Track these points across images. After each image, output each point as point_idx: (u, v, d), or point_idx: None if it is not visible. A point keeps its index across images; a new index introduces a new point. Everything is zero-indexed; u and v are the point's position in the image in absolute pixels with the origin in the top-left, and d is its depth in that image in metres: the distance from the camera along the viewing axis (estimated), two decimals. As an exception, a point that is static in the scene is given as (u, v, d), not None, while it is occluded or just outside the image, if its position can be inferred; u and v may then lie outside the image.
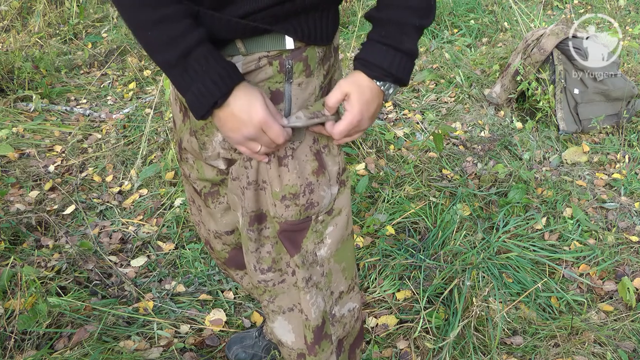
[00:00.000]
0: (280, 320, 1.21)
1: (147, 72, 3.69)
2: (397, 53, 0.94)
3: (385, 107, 3.27)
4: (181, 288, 2.02)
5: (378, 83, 0.96)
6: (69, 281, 1.97)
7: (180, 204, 2.40)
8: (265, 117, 0.92)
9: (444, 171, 2.66)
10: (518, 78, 3.06)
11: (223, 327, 1.85)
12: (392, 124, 3.09)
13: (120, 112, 3.18)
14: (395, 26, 0.94)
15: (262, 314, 1.90)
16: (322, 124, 1.02)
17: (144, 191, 2.54)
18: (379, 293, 1.97)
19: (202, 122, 1.04)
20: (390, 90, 0.98)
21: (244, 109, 0.91)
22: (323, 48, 1.01)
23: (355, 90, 0.96)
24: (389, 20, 0.94)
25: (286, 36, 0.95)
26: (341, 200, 1.12)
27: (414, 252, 2.14)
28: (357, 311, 1.27)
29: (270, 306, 1.20)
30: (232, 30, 0.92)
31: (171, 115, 2.73)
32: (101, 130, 3.03)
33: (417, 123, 3.09)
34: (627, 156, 2.81)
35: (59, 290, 1.91)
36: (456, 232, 2.19)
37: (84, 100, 3.42)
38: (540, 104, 2.99)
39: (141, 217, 2.40)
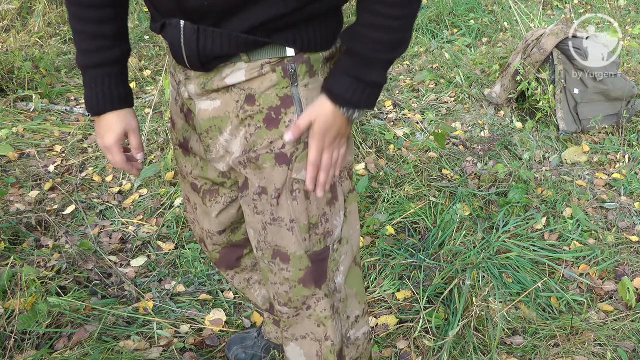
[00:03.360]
0: (293, 346, 1.27)
1: (147, 72, 3.70)
2: (359, 84, 0.97)
3: (385, 107, 3.27)
4: (181, 288, 2.02)
5: (341, 110, 0.99)
6: (69, 281, 1.97)
7: (180, 204, 2.40)
8: (110, 147, 1.11)
9: (444, 171, 2.66)
10: (518, 78, 3.06)
11: (223, 327, 1.85)
12: (392, 124, 3.09)
13: (120, 112, 3.17)
14: (361, 59, 0.96)
15: (262, 313, 1.91)
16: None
17: (144, 191, 2.54)
18: (379, 293, 1.97)
19: (206, 125, 1.07)
20: (355, 115, 1.01)
21: (104, 129, 1.11)
22: (327, 50, 1.02)
23: (319, 117, 1.00)
24: (356, 53, 0.97)
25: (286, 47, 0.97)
26: (346, 230, 1.17)
27: (414, 252, 2.14)
28: (369, 334, 1.35)
29: (285, 333, 1.27)
30: (234, 44, 0.95)
31: (170, 115, 2.73)
32: (101, 130, 3.02)
33: (417, 123, 3.09)
34: (627, 156, 2.81)
35: (59, 290, 1.91)
36: (456, 232, 2.19)
37: (84, 100, 3.42)
38: (540, 104, 2.99)
39: (141, 217, 2.40)
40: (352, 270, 1.24)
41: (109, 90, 1.08)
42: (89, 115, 3.15)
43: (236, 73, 0.99)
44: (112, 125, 1.10)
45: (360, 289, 1.29)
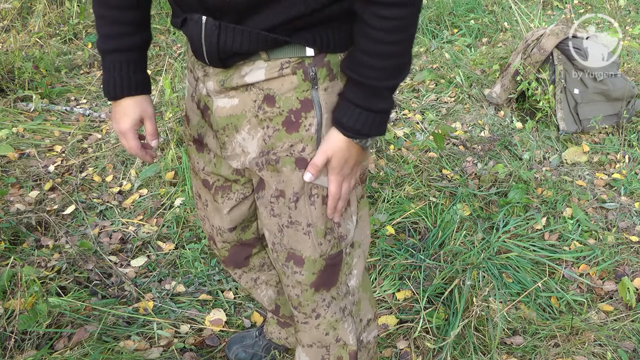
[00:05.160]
0: (300, 351, 1.30)
1: (147, 72, 3.69)
2: (369, 114, 0.98)
3: (385, 107, 3.27)
4: (181, 288, 2.02)
5: (354, 140, 1.00)
6: (69, 281, 1.98)
7: (180, 204, 2.40)
8: (125, 132, 1.13)
9: (444, 171, 2.66)
10: (518, 78, 3.06)
11: (223, 327, 1.85)
12: (392, 124, 3.09)
13: (120, 112, 3.17)
14: (367, 88, 0.97)
15: (263, 313, 1.91)
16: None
17: (144, 191, 2.54)
18: (379, 293, 1.97)
19: (223, 123, 1.07)
20: (368, 142, 1.03)
21: (120, 114, 1.13)
22: (345, 51, 1.02)
23: (335, 152, 1.02)
24: (361, 83, 0.97)
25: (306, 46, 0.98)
26: (358, 234, 1.19)
27: (414, 252, 2.14)
28: (377, 337, 1.38)
29: (296, 334, 1.29)
30: (254, 42, 0.95)
31: (171, 114, 2.72)
32: (101, 130, 3.03)
33: (417, 123, 3.09)
34: (627, 156, 2.81)
35: (59, 290, 1.91)
36: (456, 232, 2.19)
37: (84, 100, 3.42)
38: (540, 104, 2.99)
39: (141, 217, 2.40)
40: (365, 274, 1.27)
41: (127, 75, 1.10)
42: (89, 115, 3.16)
43: (255, 71, 1.00)
44: (128, 110, 1.12)
45: (371, 293, 1.32)
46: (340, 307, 1.21)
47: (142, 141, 1.18)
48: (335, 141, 1.01)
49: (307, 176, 1.03)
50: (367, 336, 1.32)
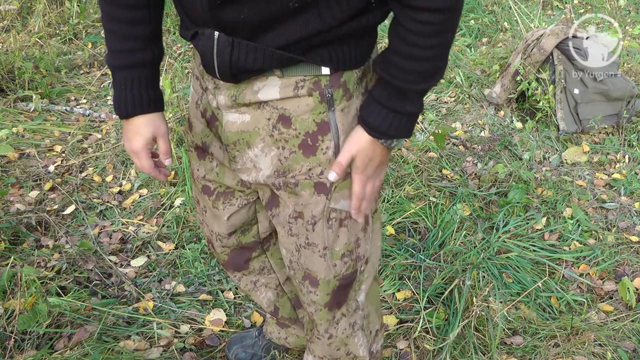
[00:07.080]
0: (311, 358, 1.32)
1: (147, 72, 3.69)
2: (396, 115, 0.96)
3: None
4: (181, 288, 2.02)
5: (379, 140, 0.98)
6: (69, 281, 1.97)
7: (180, 204, 2.40)
8: (137, 151, 1.08)
9: (444, 171, 2.66)
10: (518, 78, 3.06)
11: (223, 327, 1.85)
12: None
13: (120, 112, 3.17)
14: (397, 90, 0.94)
15: (262, 314, 1.91)
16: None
17: (144, 191, 2.54)
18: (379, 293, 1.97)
19: (234, 138, 1.05)
20: (394, 144, 1.00)
21: (132, 132, 1.08)
22: (361, 67, 1.01)
23: (360, 151, 1.00)
24: (391, 84, 0.94)
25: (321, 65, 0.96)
26: (370, 249, 1.19)
27: (414, 252, 2.14)
28: (383, 344, 1.41)
29: (308, 343, 1.31)
30: (268, 59, 0.93)
31: (171, 114, 2.72)
32: (101, 130, 3.03)
33: (417, 123, 3.09)
34: (627, 156, 2.81)
35: (59, 290, 1.91)
36: (456, 232, 2.19)
37: (84, 100, 3.42)
38: (540, 104, 2.99)
39: (141, 217, 2.40)
40: (372, 286, 1.26)
41: (139, 92, 1.05)
42: (89, 115, 3.16)
43: (269, 88, 0.97)
44: (140, 129, 1.07)
45: (378, 304, 1.32)
46: (350, 323, 1.22)
47: (155, 159, 1.13)
48: (359, 140, 0.98)
49: (332, 175, 1.01)
50: (376, 346, 1.33)
